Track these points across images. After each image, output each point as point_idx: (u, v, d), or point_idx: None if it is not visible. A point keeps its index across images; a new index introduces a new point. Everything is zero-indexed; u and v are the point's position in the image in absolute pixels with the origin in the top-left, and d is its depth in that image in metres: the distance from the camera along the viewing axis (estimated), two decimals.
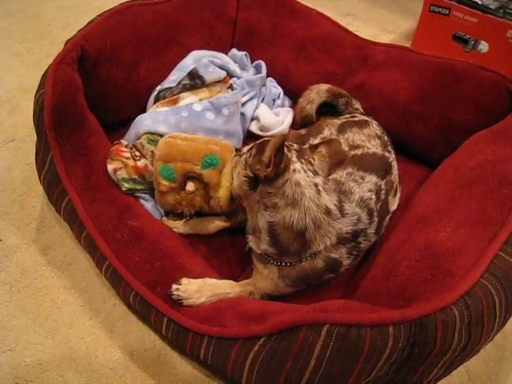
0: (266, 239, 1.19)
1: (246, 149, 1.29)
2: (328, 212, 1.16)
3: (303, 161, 1.17)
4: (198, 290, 1.20)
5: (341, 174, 1.34)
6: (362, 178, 1.34)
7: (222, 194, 1.36)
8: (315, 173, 1.18)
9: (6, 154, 1.85)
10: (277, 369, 0.97)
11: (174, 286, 1.19)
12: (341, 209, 1.20)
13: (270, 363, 0.98)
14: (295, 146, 1.24)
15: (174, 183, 1.36)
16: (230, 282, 1.28)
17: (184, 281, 1.20)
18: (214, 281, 1.24)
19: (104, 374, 1.27)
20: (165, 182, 1.36)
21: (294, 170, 1.14)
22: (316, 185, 1.16)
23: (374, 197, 1.32)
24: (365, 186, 1.32)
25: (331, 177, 1.32)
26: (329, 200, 1.17)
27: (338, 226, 1.18)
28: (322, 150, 1.23)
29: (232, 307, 1.14)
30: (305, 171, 1.15)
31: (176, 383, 1.26)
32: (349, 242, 1.22)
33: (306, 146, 1.30)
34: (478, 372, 1.32)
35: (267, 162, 1.10)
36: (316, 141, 1.57)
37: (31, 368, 1.27)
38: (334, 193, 1.23)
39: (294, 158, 1.17)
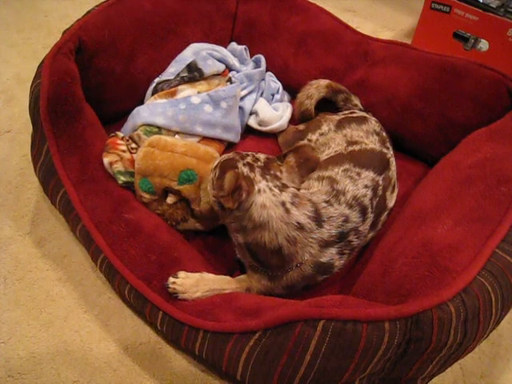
0: (247, 254, 1.20)
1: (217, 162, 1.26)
2: (301, 228, 1.14)
3: (268, 177, 1.15)
4: (195, 284, 1.19)
5: (337, 171, 1.33)
6: (359, 174, 1.33)
7: (203, 207, 1.34)
8: (283, 187, 1.15)
9: (2, 146, 1.84)
10: (271, 364, 0.97)
11: (171, 279, 1.18)
12: (318, 219, 1.18)
13: (265, 358, 0.97)
14: (261, 157, 1.20)
15: (155, 196, 1.35)
16: (227, 277, 1.27)
17: (181, 274, 1.19)
18: (210, 276, 1.24)
19: (98, 367, 1.26)
20: (145, 195, 1.35)
21: (259, 191, 1.12)
22: (283, 203, 1.13)
23: (369, 193, 1.30)
24: (360, 182, 1.31)
25: (326, 174, 1.31)
26: (301, 215, 1.14)
27: (316, 236, 1.17)
28: (291, 159, 1.21)
29: (227, 302, 1.13)
30: (270, 189, 1.13)
31: (171, 377, 1.26)
32: (336, 243, 1.21)
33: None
34: (472, 369, 1.32)
35: (227, 194, 1.09)
36: (314, 136, 1.57)
37: (25, 361, 1.27)
38: (312, 202, 1.19)
39: (258, 177, 1.14)
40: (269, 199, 1.12)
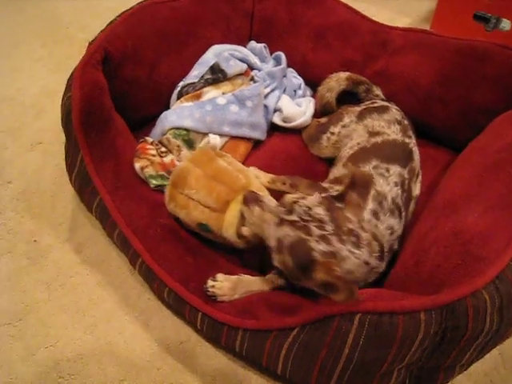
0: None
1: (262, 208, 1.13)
2: (371, 268, 1.10)
3: (345, 238, 1.04)
4: (233, 287, 1.21)
5: (368, 168, 1.33)
6: (387, 170, 1.33)
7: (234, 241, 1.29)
8: (358, 241, 1.05)
9: (35, 157, 1.89)
10: (311, 358, 0.99)
11: (210, 283, 1.20)
12: (382, 254, 1.13)
13: (304, 353, 1.00)
14: (322, 214, 1.05)
15: None
16: (263, 278, 1.27)
17: (220, 277, 1.21)
18: (248, 278, 1.25)
19: (142, 366, 1.31)
20: None
21: (343, 259, 1.02)
22: (366, 262, 1.06)
23: (399, 191, 1.30)
24: (391, 180, 1.30)
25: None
26: (374, 261, 1.09)
27: (377, 270, 1.14)
28: (353, 197, 1.11)
29: (264, 300, 1.16)
30: (352, 252, 1.03)
31: (213, 373, 1.29)
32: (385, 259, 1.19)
33: (333, 192, 1.20)
34: (511, 353, 1.32)
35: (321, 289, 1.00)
36: (336, 129, 1.58)
37: (73, 363, 1.32)
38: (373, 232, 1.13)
39: (338, 245, 1.02)
40: (353, 264, 1.04)
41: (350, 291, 0.92)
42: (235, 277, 1.23)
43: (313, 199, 1.10)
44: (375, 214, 1.20)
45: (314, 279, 0.99)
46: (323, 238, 1.02)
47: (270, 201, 1.16)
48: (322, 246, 1.01)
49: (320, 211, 1.06)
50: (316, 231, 1.03)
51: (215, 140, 1.57)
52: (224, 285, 1.21)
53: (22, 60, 2.40)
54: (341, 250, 1.02)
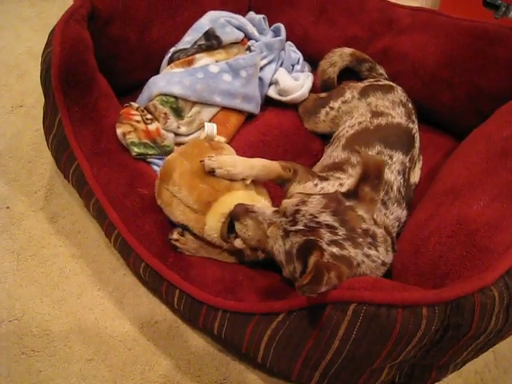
0: None
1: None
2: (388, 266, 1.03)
3: (361, 240, 0.94)
4: (197, 249, 1.17)
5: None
6: (391, 157, 1.26)
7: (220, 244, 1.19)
8: (374, 240, 0.96)
9: (15, 120, 1.80)
10: (295, 348, 0.92)
11: (175, 236, 1.16)
12: (393, 246, 1.04)
13: (289, 342, 0.93)
14: (330, 220, 0.94)
15: None
16: (221, 252, 1.19)
17: (188, 235, 1.17)
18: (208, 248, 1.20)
19: (113, 346, 1.24)
20: None
21: (358, 265, 0.94)
22: (384, 263, 0.98)
23: (402, 181, 1.25)
24: (394, 168, 1.24)
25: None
26: (390, 257, 1.02)
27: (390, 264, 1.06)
28: (366, 191, 0.99)
29: (250, 279, 1.09)
30: (367, 256, 0.95)
31: (187, 357, 1.23)
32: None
33: (343, 188, 1.08)
34: (504, 353, 1.27)
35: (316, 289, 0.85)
36: (336, 104, 1.50)
37: (38, 338, 1.24)
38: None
39: (353, 250, 0.93)
40: (369, 268, 0.95)
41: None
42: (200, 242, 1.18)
43: (316, 204, 0.97)
44: (384, 204, 1.14)
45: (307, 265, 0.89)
46: (335, 243, 0.92)
47: (265, 208, 1.04)
48: (334, 249, 0.91)
49: (327, 218, 0.95)
50: (327, 236, 0.93)
51: (211, 128, 1.43)
52: (189, 242, 1.17)
53: (7, 18, 2.28)
54: (356, 255, 0.93)
